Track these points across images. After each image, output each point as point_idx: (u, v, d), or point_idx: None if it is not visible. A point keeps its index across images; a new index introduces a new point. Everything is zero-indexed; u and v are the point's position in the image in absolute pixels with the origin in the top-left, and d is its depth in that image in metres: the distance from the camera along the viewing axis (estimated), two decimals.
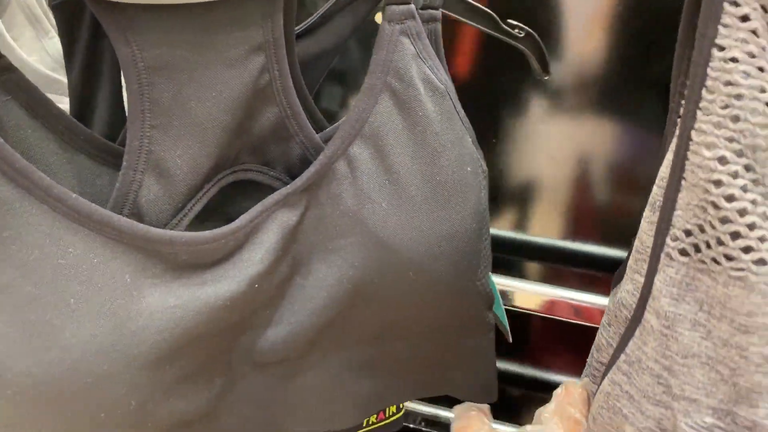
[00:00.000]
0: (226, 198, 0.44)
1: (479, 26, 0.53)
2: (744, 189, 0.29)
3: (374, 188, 0.42)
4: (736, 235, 0.29)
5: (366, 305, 0.46)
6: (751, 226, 0.28)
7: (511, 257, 0.70)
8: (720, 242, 0.30)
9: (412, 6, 0.43)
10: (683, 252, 0.31)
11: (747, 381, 0.30)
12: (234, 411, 0.46)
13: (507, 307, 0.66)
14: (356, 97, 0.42)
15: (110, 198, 0.39)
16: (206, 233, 0.39)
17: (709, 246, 0.30)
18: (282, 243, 0.41)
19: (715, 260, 0.30)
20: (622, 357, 0.36)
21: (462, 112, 0.46)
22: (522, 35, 0.55)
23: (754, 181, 0.29)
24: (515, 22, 0.55)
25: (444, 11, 0.50)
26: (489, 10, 0.53)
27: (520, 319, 0.62)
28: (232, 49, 0.39)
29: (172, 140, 0.39)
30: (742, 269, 0.29)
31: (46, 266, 0.35)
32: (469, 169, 0.45)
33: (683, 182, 0.31)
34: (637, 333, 0.35)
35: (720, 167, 0.29)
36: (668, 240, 0.32)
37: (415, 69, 0.42)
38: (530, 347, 0.83)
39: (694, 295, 0.31)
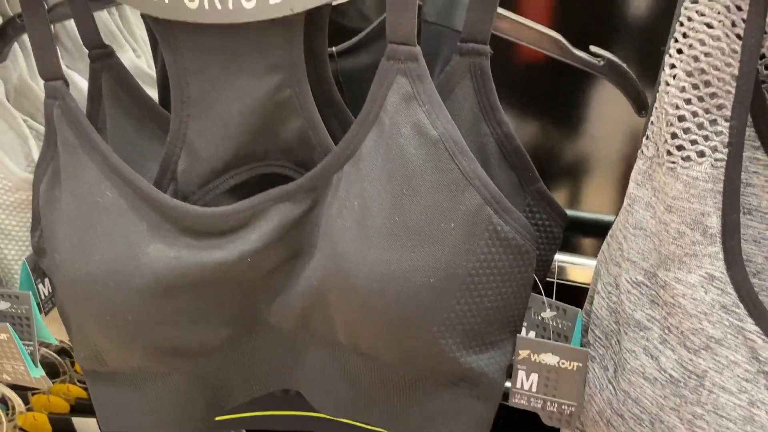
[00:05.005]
0: (269, 184, 0.50)
1: (546, 52, 0.48)
2: (687, 102, 0.38)
3: (348, 206, 0.44)
4: (674, 136, 0.39)
5: (328, 307, 0.48)
6: (686, 131, 0.38)
7: (566, 233, 0.72)
8: (665, 141, 0.39)
9: (416, 49, 0.42)
10: (649, 150, 0.42)
11: (666, 250, 0.39)
12: (244, 354, 0.54)
13: (563, 280, 0.65)
14: (356, 120, 0.44)
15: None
16: (209, 210, 0.47)
17: (660, 145, 0.40)
18: (281, 230, 0.46)
19: (662, 155, 0.40)
20: (609, 232, 0.47)
21: (471, 168, 0.43)
22: (602, 63, 0.49)
23: (699, 98, 0.37)
24: (597, 49, 0.48)
25: (500, 34, 0.46)
26: (556, 34, 0.47)
27: (575, 293, 0.67)
28: (253, 65, 0.46)
29: (201, 128, 0.48)
30: (674, 162, 0.39)
31: (88, 199, 0.48)
32: (453, 225, 0.42)
33: (657, 94, 0.40)
34: (618, 214, 0.46)
35: (673, 82, 0.38)
36: (643, 140, 0.42)
37: (404, 109, 0.42)
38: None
39: (651, 183, 0.41)
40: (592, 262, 0.72)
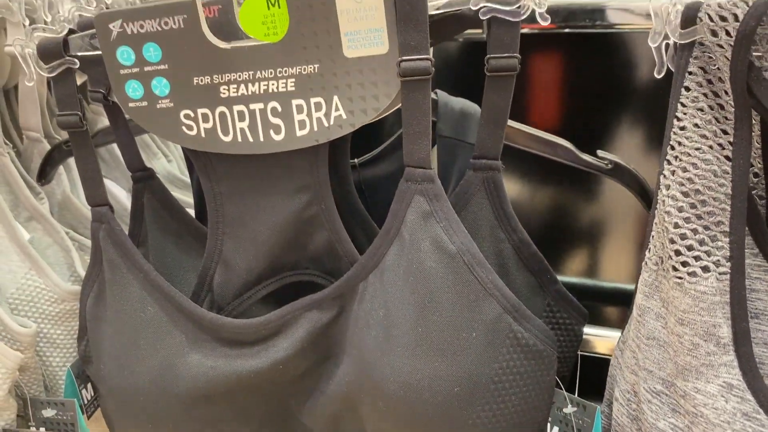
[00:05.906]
0: (299, 292, 0.52)
1: (556, 158, 0.51)
2: (686, 220, 0.39)
3: (374, 315, 0.46)
4: (678, 253, 0.40)
5: (357, 410, 0.50)
6: (689, 248, 0.40)
7: (588, 304, 0.73)
8: (669, 257, 0.41)
9: (431, 172, 0.45)
10: (653, 262, 0.43)
11: (682, 360, 0.40)
12: None
13: (586, 353, 0.66)
14: (379, 234, 0.47)
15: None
16: (243, 321, 0.50)
17: (664, 259, 0.41)
18: (310, 337, 0.49)
19: (668, 269, 0.41)
20: (620, 338, 0.48)
21: (489, 279, 0.44)
22: (610, 167, 0.52)
23: (697, 216, 0.39)
24: (604, 153, 0.52)
25: (511, 144, 0.50)
26: (564, 142, 0.51)
27: (600, 364, 0.68)
28: (283, 187, 0.50)
29: (236, 245, 0.51)
30: (681, 278, 0.40)
31: (131, 314, 0.52)
32: (474, 334, 0.44)
33: (656, 212, 0.42)
34: (628, 321, 0.47)
35: (671, 202, 0.40)
36: (646, 252, 0.43)
37: (422, 226, 0.45)
38: None
39: (659, 294, 0.42)
40: (616, 334, 0.73)
